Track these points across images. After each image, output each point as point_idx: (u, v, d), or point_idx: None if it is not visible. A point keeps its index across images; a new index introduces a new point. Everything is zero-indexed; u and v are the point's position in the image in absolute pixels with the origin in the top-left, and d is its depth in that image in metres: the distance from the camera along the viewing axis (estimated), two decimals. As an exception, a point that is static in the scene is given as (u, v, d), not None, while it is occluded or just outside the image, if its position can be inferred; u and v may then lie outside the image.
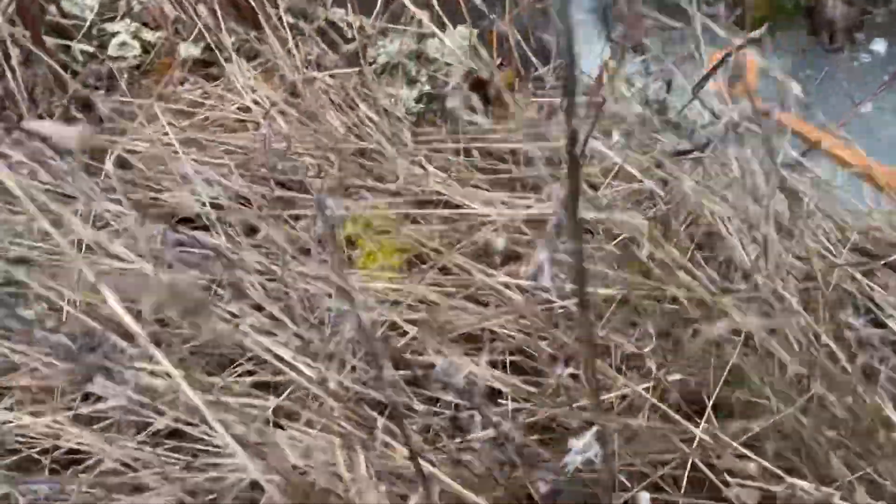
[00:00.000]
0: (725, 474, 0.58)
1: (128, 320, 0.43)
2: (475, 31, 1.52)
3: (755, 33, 2.08)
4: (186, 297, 0.39)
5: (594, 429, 0.45)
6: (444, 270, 0.91)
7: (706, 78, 1.08)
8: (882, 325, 0.92)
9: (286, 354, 0.61)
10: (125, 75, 1.52)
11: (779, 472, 0.57)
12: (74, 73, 1.53)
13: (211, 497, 0.64)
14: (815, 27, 2.13)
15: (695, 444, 0.62)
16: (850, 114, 1.70)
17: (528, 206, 0.84)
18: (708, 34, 1.25)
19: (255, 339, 0.58)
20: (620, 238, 0.78)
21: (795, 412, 0.67)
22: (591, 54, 1.76)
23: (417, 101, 1.59)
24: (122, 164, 1.24)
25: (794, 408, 0.68)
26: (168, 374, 0.46)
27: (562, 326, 0.70)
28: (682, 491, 0.62)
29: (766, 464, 0.61)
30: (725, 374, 0.74)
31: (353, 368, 0.62)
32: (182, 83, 1.45)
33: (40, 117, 1.44)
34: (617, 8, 1.98)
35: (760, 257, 0.86)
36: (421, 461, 0.53)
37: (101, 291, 0.43)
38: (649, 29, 1.86)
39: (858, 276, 0.89)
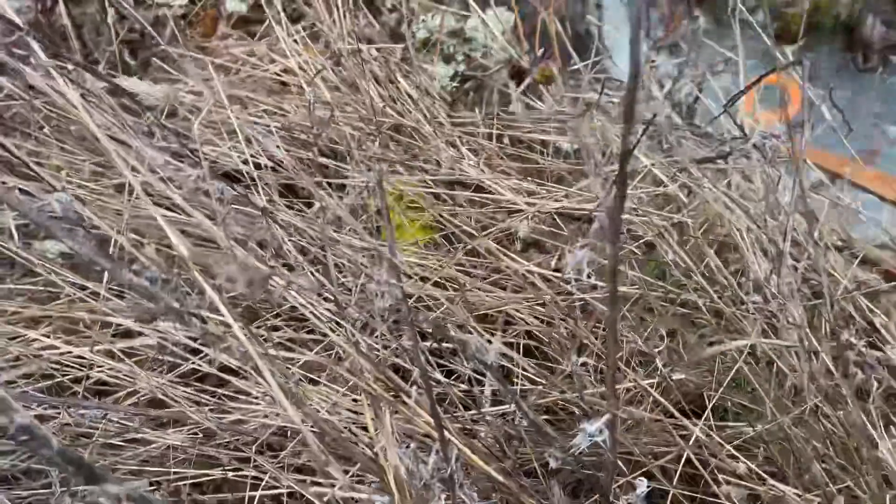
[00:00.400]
0: (717, 472, 0.62)
1: (198, 275, 0.47)
2: (516, 15, 1.54)
3: (789, 52, 2.11)
4: (253, 273, 0.43)
5: (606, 416, 0.49)
6: (470, 251, 0.95)
7: (739, 95, 1.10)
8: (879, 349, 0.96)
9: (324, 314, 0.65)
10: (171, 23, 1.55)
11: (764, 475, 0.61)
12: (121, 17, 1.56)
13: (240, 435, 0.69)
14: (850, 45, 2.14)
15: (691, 441, 0.67)
16: (879, 140, 1.72)
17: (556, 200, 0.87)
18: (747, 46, 1.28)
19: (296, 299, 0.62)
20: (642, 240, 0.82)
21: (788, 421, 0.72)
22: (624, 48, 1.78)
23: (452, 78, 1.62)
24: (170, 113, 1.28)
25: (788, 417, 0.72)
26: (226, 324, 0.51)
27: (578, 317, 0.74)
28: (675, 483, 0.67)
29: (754, 467, 0.65)
30: (727, 378, 0.79)
31: (383, 335, 0.67)
32: (226, 38, 1.48)
33: (87, 56, 1.47)
34: (657, 6, 1.98)
35: (773, 271, 0.90)
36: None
37: (178, 247, 0.47)
38: (686, 31, 1.88)
39: (862, 299, 0.93)
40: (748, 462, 0.66)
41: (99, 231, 0.66)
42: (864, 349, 0.68)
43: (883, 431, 0.67)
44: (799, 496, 0.66)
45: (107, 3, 1.47)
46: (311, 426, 0.56)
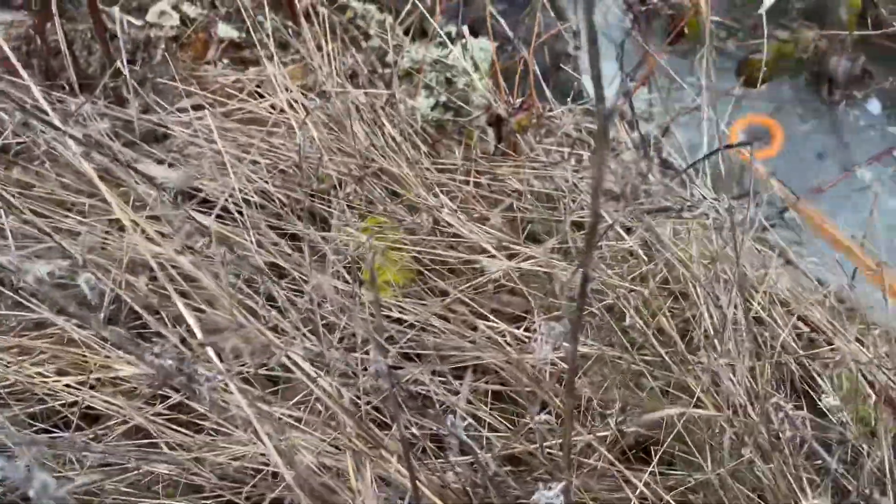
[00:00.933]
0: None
1: (212, 355, 0.53)
2: (493, 53, 1.62)
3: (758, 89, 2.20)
4: (255, 344, 0.49)
5: (562, 484, 0.57)
6: (444, 295, 1.01)
7: (697, 162, 1.19)
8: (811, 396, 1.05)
9: (309, 368, 0.71)
10: (162, 45, 1.59)
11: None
12: (112, 36, 1.60)
13: (225, 477, 0.75)
14: (816, 79, 2.25)
15: (637, 491, 0.75)
16: (841, 177, 1.82)
17: (527, 258, 0.95)
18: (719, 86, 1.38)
19: (283, 353, 0.68)
20: (604, 303, 0.90)
21: (724, 473, 0.80)
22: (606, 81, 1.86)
23: (433, 108, 1.68)
24: (156, 139, 1.33)
25: (724, 469, 0.80)
26: (227, 389, 0.57)
27: (545, 375, 0.81)
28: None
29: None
30: (673, 430, 0.87)
31: (364, 390, 0.73)
32: (216, 63, 1.53)
33: (78, 73, 1.50)
34: (632, 40, 2.08)
35: (721, 326, 0.98)
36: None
37: (188, 321, 0.53)
38: (657, 72, 1.97)
39: (801, 355, 1.02)
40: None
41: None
42: (789, 410, 0.76)
43: (806, 488, 0.76)
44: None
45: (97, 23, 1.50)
46: (298, 475, 0.62)
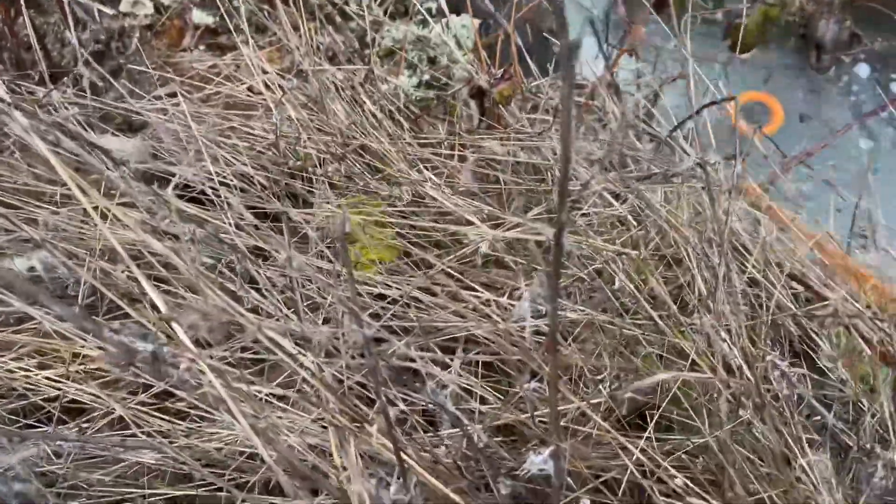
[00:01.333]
0: (655, 487, 0.68)
1: (178, 330, 0.51)
2: (475, 28, 1.59)
3: (746, 56, 2.18)
4: (214, 320, 0.47)
5: (551, 448, 0.55)
6: (430, 269, 0.99)
7: (685, 121, 1.17)
8: (812, 357, 1.03)
9: (288, 346, 0.69)
10: (136, 34, 1.56)
11: (697, 490, 0.67)
12: (84, 26, 1.56)
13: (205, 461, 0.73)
14: (804, 45, 2.23)
15: (633, 457, 0.73)
16: (832, 138, 1.79)
17: (511, 227, 0.92)
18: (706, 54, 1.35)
19: (265, 332, 0.66)
20: (593, 266, 0.87)
21: (723, 435, 0.78)
22: (588, 58, 1.84)
23: (417, 87, 1.65)
24: (131, 127, 1.30)
25: (722, 431, 0.78)
26: (194, 361, 0.55)
27: (532, 343, 0.79)
28: (619, 496, 0.73)
29: (688, 482, 0.71)
30: (668, 392, 0.85)
31: (347, 366, 0.71)
32: (192, 50, 1.50)
33: (50, 65, 1.47)
34: (616, 10, 2.05)
35: (713, 287, 0.96)
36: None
37: (151, 296, 0.51)
38: (644, 38, 1.94)
39: (799, 313, 1.00)
40: (682, 475, 0.72)
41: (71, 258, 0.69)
42: (784, 367, 0.74)
43: (805, 447, 0.74)
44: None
45: (69, 13, 1.47)
46: (280, 457, 0.60)
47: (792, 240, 1.07)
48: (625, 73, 1.82)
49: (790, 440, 0.74)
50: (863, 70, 2.23)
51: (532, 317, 0.69)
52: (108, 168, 0.58)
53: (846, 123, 1.96)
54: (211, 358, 0.69)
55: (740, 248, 1.09)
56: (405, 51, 1.58)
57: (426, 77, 1.65)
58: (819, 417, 0.79)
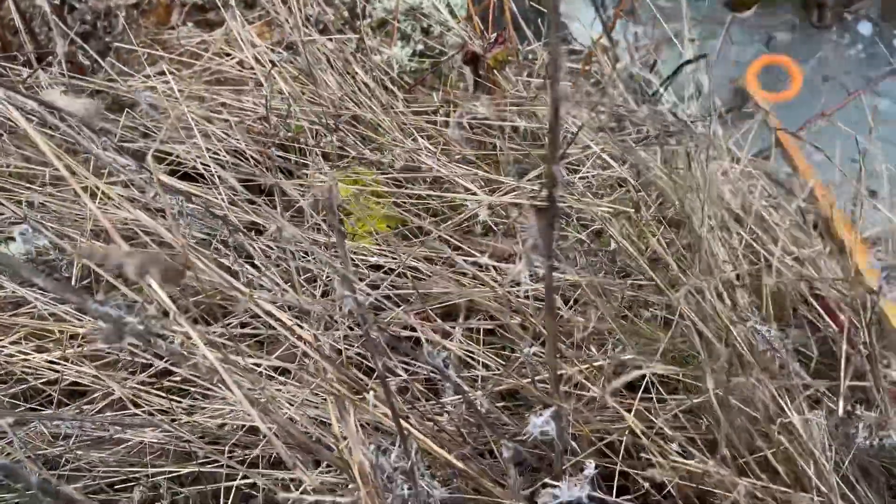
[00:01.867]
0: (653, 449, 0.67)
1: (160, 293, 0.50)
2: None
3: (746, 14, 2.14)
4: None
5: (552, 409, 0.54)
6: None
7: (674, 74, 1.15)
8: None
9: (284, 317, 0.68)
10: (123, 13, 1.53)
11: (693, 450, 0.66)
12: (72, 8, 1.54)
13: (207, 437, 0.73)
14: (805, 3, 2.19)
15: (632, 412, 0.72)
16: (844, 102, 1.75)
17: (507, 192, 0.91)
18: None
19: (258, 304, 0.65)
20: (591, 228, 0.86)
21: (719, 393, 0.77)
22: (585, 25, 1.80)
23: (411, 58, 1.63)
24: (121, 108, 1.28)
25: (720, 389, 0.77)
26: (188, 337, 0.54)
27: (532, 308, 0.78)
28: (621, 457, 0.72)
29: (683, 442, 0.71)
30: (665, 353, 0.84)
31: (345, 336, 0.70)
32: (179, 27, 1.48)
33: (38, 48, 1.45)
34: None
35: (718, 247, 0.95)
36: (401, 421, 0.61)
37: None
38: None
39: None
40: (682, 435, 0.72)
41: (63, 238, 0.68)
42: (764, 331, 0.73)
43: (801, 405, 0.73)
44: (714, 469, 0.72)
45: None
46: (279, 429, 0.59)
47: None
48: (623, 37, 1.78)
49: (781, 400, 0.73)
50: (865, 27, 2.19)
51: (530, 280, 0.68)
52: (90, 129, 0.57)
53: (855, 83, 1.92)
54: (207, 333, 0.68)
55: (737, 209, 1.07)
56: (398, 21, 1.55)
57: (420, 47, 1.62)
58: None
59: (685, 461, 0.65)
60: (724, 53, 1.78)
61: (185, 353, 0.52)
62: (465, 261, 0.82)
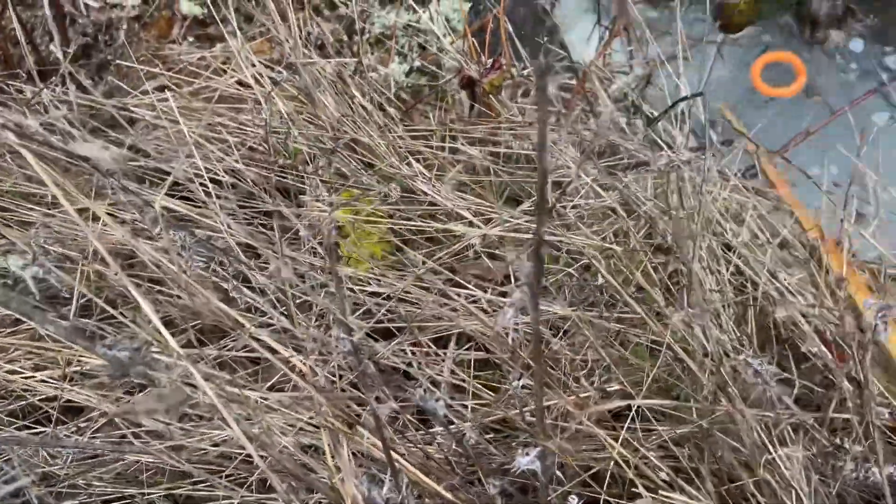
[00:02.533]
0: (638, 479, 0.70)
1: (164, 333, 0.52)
2: (464, 13, 1.58)
3: (738, 35, 2.16)
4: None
5: (538, 449, 0.56)
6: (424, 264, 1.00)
7: (667, 111, 1.17)
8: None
9: (281, 349, 0.70)
10: (124, 26, 1.55)
11: (681, 482, 0.69)
12: (73, 20, 1.55)
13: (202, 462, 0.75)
14: (799, 18, 2.22)
15: (617, 450, 0.74)
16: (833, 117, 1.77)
17: (505, 222, 0.93)
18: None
19: (256, 336, 0.67)
20: (581, 262, 0.88)
21: (703, 424, 0.80)
22: (582, 40, 1.83)
23: (408, 75, 1.65)
24: (118, 124, 1.29)
25: (703, 421, 0.80)
26: (191, 383, 0.56)
27: (521, 340, 0.80)
28: (605, 487, 0.74)
29: (671, 471, 0.73)
30: (651, 383, 0.86)
31: (339, 367, 0.72)
32: (180, 42, 1.49)
33: (39, 61, 1.46)
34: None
35: (705, 276, 0.98)
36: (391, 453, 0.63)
37: (139, 303, 0.52)
38: (635, 19, 1.93)
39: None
40: (667, 465, 0.74)
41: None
42: (756, 364, 0.75)
43: (784, 437, 0.76)
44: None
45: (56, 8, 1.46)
46: (273, 460, 0.61)
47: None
48: (618, 56, 1.81)
49: (763, 434, 0.76)
50: (857, 45, 2.22)
51: (521, 314, 0.70)
52: (99, 172, 0.58)
53: (848, 99, 1.95)
54: (202, 360, 0.70)
55: (727, 234, 1.10)
56: (395, 38, 1.57)
57: (416, 63, 1.65)
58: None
59: (669, 495, 0.67)
60: (713, 75, 1.81)
61: (184, 388, 0.54)
62: (457, 294, 0.84)
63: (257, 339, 0.70)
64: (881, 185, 1.24)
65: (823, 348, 0.98)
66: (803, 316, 1.01)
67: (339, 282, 0.54)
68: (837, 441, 0.76)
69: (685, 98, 1.19)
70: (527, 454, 0.57)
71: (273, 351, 0.73)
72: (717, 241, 1.08)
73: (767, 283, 1.07)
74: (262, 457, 0.59)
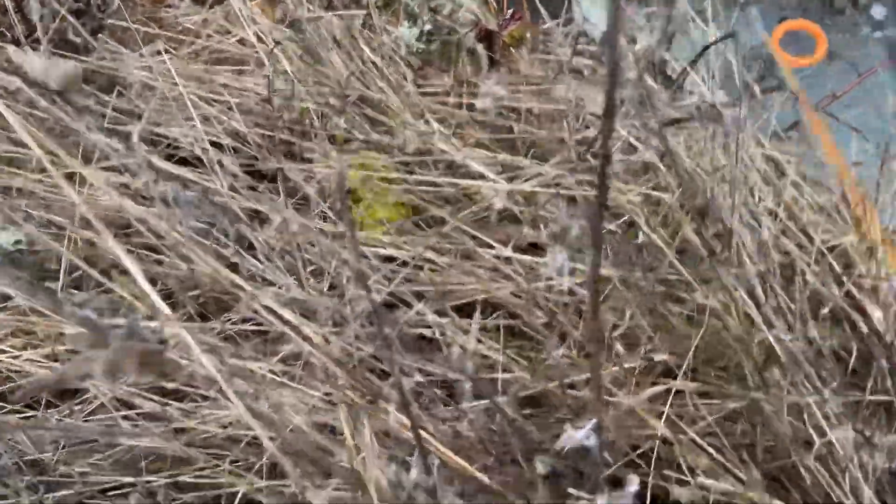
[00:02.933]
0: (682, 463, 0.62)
1: (153, 296, 0.44)
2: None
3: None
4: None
5: (593, 421, 0.48)
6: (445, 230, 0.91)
7: (701, 53, 1.08)
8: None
9: (290, 316, 0.62)
10: (119, -9, 1.46)
11: (729, 459, 0.61)
12: (64, -16, 1.47)
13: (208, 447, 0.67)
14: (820, -16, 2.12)
15: (662, 420, 0.66)
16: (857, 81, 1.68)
17: (529, 178, 0.84)
18: None
19: (260, 302, 0.59)
20: (622, 219, 0.80)
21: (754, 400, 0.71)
22: (599, 2, 1.73)
23: (419, 39, 1.55)
24: (118, 91, 1.21)
25: (747, 399, 0.72)
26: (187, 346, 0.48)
27: (560, 305, 0.72)
28: (653, 467, 0.66)
29: (720, 450, 0.65)
30: (697, 351, 0.78)
31: (356, 336, 0.64)
32: (178, 5, 1.40)
33: (30, 34, 1.38)
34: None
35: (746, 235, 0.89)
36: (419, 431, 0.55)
37: (126, 265, 0.44)
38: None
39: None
40: (718, 442, 0.66)
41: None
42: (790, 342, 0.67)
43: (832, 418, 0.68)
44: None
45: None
46: (283, 438, 0.53)
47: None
48: (637, 18, 1.71)
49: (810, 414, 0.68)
50: (878, 11, 2.12)
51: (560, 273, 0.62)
52: (87, 128, 0.50)
53: (870, 65, 1.85)
54: (203, 332, 0.62)
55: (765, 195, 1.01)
56: (404, 1, 1.48)
57: (428, 26, 1.55)
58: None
59: (715, 482, 0.59)
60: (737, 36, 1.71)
61: (181, 360, 0.46)
62: (485, 253, 0.76)
63: (263, 307, 0.62)
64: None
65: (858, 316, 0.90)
66: (838, 283, 0.93)
67: (352, 233, 0.46)
68: (867, 432, 0.68)
69: (716, 41, 1.10)
70: (578, 428, 0.49)
71: (283, 320, 0.64)
72: (756, 203, 1.00)
73: (815, 248, 0.98)
74: (271, 438, 0.51)
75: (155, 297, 0.46)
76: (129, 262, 0.48)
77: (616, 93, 0.36)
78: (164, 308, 0.48)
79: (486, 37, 1.18)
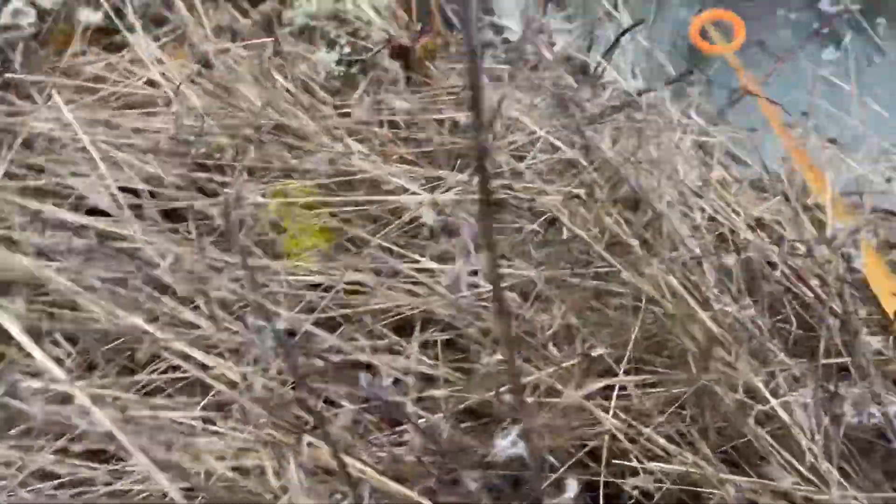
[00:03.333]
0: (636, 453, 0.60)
1: (36, 353, 0.41)
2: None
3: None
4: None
5: (518, 427, 0.46)
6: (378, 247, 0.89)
7: (617, 40, 1.09)
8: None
9: (207, 359, 0.59)
10: (20, 46, 1.42)
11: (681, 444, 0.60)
12: (-36, 45, 1.41)
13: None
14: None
15: (610, 415, 0.65)
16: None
17: (451, 188, 0.83)
18: None
19: (172, 347, 0.56)
20: (544, 216, 0.79)
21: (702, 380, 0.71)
22: (516, 8, 1.74)
23: (338, 63, 1.54)
24: (23, 145, 1.17)
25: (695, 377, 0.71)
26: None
27: (490, 312, 0.70)
28: (603, 463, 0.65)
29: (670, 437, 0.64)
30: (640, 342, 0.77)
31: (279, 371, 0.62)
32: (83, 54, 1.37)
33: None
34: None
35: (679, 223, 0.89)
36: (349, 459, 0.53)
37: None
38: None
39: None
40: (668, 429, 0.65)
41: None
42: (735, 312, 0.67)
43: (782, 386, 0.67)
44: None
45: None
46: (208, 490, 0.50)
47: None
48: (555, 23, 1.73)
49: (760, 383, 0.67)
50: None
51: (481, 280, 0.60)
52: None
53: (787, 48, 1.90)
54: (123, 388, 0.59)
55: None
56: (321, 27, 1.47)
57: (347, 50, 1.54)
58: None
59: (668, 465, 0.58)
60: (663, 21, 1.74)
61: (73, 419, 0.42)
62: (410, 268, 0.74)
63: (177, 353, 0.59)
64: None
65: (800, 284, 0.91)
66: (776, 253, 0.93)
67: (245, 262, 0.43)
68: (831, 387, 0.68)
69: (627, 29, 1.12)
70: (507, 435, 0.47)
71: (201, 365, 0.61)
72: (685, 187, 1.00)
73: (741, 225, 0.99)
74: (187, 489, 0.48)
75: (39, 356, 0.43)
76: (7, 323, 0.45)
77: (481, 97, 0.35)
78: (54, 367, 0.45)
79: (401, 53, 1.18)
